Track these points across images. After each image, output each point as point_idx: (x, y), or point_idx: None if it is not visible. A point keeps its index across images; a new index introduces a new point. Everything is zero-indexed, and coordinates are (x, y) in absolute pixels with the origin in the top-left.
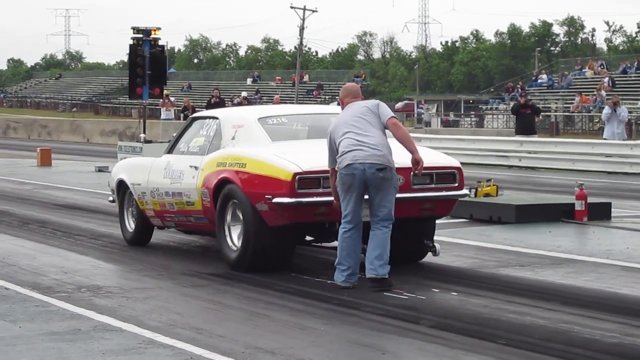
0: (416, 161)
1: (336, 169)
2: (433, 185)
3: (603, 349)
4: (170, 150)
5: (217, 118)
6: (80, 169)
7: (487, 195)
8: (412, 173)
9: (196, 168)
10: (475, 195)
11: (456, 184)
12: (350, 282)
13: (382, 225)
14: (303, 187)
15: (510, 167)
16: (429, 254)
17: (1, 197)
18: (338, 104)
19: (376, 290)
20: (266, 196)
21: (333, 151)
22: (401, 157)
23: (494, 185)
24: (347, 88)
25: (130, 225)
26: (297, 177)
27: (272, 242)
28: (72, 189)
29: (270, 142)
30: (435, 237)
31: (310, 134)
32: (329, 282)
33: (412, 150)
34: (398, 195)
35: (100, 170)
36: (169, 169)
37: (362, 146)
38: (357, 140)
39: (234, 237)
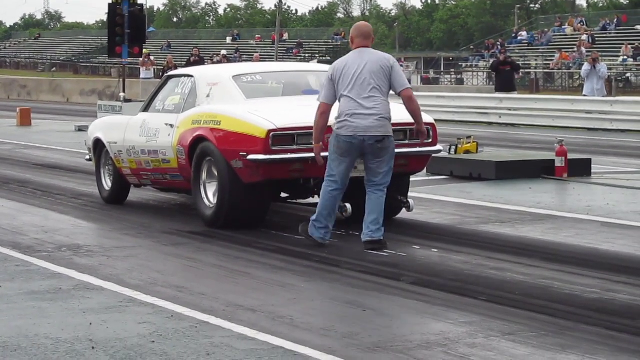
0: (421, 132)
1: (333, 127)
2: (407, 142)
3: (583, 304)
4: (146, 109)
5: (192, 76)
6: (60, 129)
7: (467, 152)
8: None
9: (172, 126)
10: (456, 152)
11: (430, 140)
12: (326, 240)
13: (377, 189)
14: (277, 143)
15: (490, 124)
16: (403, 210)
17: None
18: (318, 62)
19: (371, 252)
20: (241, 153)
21: (331, 87)
22: None
23: (474, 142)
24: (359, 27)
25: (107, 183)
26: (271, 133)
27: (247, 198)
28: (52, 148)
29: (245, 100)
30: (415, 194)
31: (285, 91)
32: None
33: (419, 122)
34: None
35: (80, 129)
36: (144, 127)
37: (364, 114)
38: (361, 104)
39: (210, 194)
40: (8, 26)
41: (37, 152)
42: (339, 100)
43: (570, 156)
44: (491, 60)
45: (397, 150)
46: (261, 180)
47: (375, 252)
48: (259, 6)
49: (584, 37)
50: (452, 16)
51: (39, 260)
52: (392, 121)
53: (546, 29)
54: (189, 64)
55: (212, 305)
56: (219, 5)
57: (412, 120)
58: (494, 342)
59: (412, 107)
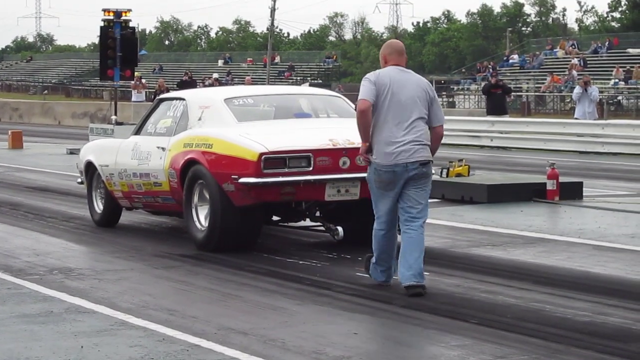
0: None
1: (373, 159)
2: None
3: (575, 327)
4: (137, 132)
5: (183, 99)
6: (51, 152)
7: (458, 175)
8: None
9: (163, 149)
10: (447, 176)
11: None
12: (390, 281)
13: (417, 224)
14: (269, 167)
15: (481, 147)
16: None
17: None
18: (310, 86)
19: (413, 296)
20: (232, 176)
21: (373, 90)
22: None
23: (465, 165)
24: (392, 45)
25: (99, 206)
26: (263, 157)
27: (239, 222)
28: (43, 171)
29: (237, 123)
30: None
31: (276, 114)
32: (300, 262)
33: (434, 151)
34: (364, 175)
35: (72, 152)
36: (136, 150)
37: (405, 142)
38: (401, 131)
39: (201, 217)
40: (0, 48)
41: (29, 174)
42: (376, 122)
43: (561, 179)
44: (483, 84)
45: None
46: (253, 204)
47: (363, 274)
48: (251, 29)
49: (576, 60)
50: (444, 39)
51: (31, 283)
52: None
53: (538, 52)
54: (181, 84)
55: (203, 329)
56: (211, 28)
57: None
58: None
59: (437, 145)
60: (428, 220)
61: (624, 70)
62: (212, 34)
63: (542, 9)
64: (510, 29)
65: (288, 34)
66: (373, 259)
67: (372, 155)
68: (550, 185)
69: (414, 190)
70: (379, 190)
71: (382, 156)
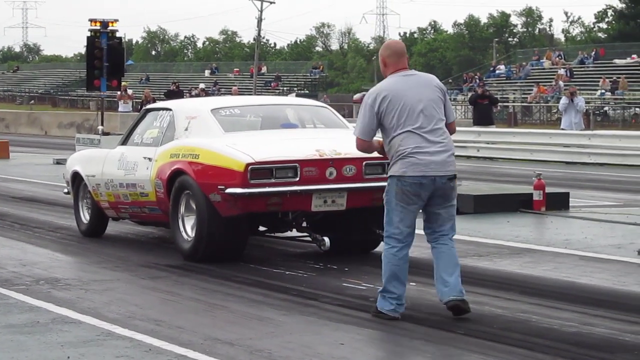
0: None
1: (393, 172)
2: (385, 175)
3: (561, 338)
4: (124, 142)
5: (170, 109)
6: (38, 162)
7: None
8: (363, 163)
9: (150, 159)
10: None
11: None
12: (399, 312)
13: (448, 238)
14: (255, 177)
15: (468, 157)
16: (381, 243)
17: None
18: (297, 96)
19: (458, 314)
20: (219, 187)
21: (373, 119)
22: (353, 147)
23: None
24: (391, 46)
25: (85, 216)
26: (250, 167)
27: (225, 232)
28: (30, 181)
29: (223, 133)
30: None
31: (263, 124)
32: (287, 272)
33: None
34: (350, 185)
35: (58, 162)
36: (123, 161)
37: (432, 151)
38: (427, 139)
39: (188, 227)
40: None
41: (15, 185)
42: (391, 137)
43: (548, 190)
44: (469, 94)
45: (375, 184)
46: (239, 214)
47: (349, 285)
48: (238, 39)
49: (562, 70)
50: (431, 49)
51: (17, 294)
52: (369, 155)
53: (524, 63)
54: (168, 95)
55: (190, 339)
56: (198, 39)
57: None
58: None
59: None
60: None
61: (610, 81)
62: (199, 44)
63: (528, 19)
64: (496, 39)
65: (275, 44)
66: (381, 288)
67: (396, 167)
68: (537, 196)
69: (443, 207)
70: (399, 204)
71: (407, 166)
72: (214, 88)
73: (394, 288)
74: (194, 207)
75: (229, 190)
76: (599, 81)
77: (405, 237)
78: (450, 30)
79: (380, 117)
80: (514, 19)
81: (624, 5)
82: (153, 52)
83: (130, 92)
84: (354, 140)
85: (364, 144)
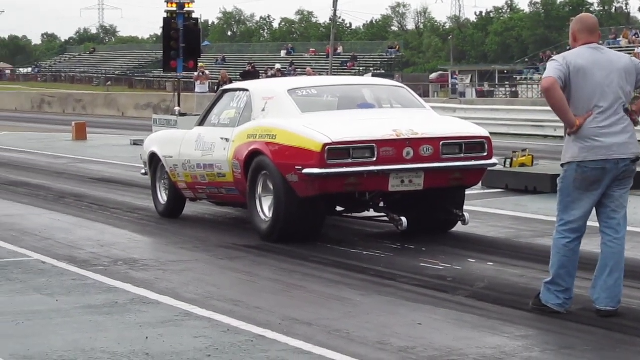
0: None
1: (572, 158)
2: (462, 155)
3: (639, 317)
4: (201, 123)
5: (247, 90)
6: (115, 143)
7: (522, 165)
8: (440, 143)
9: (227, 140)
10: (511, 166)
11: (485, 154)
12: (567, 307)
13: (622, 235)
14: (333, 157)
15: (545, 137)
16: (459, 223)
17: (37, 172)
18: (372, 75)
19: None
20: (296, 167)
21: (563, 70)
22: (430, 127)
23: (529, 155)
24: (583, 20)
25: (163, 197)
26: (327, 147)
27: (303, 212)
28: (107, 162)
29: (300, 114)
30: (471, 208)
31: (340, 104)
32: (364, 253)
33: None
34: (427, 165)
35: (135, 143)
36: (200, 141)
37: (615, 132)
38: (610, 119)
39: (265, 208)
40: (63, 40)
41: (93, 166)
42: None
43: None
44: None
45: (452, 164)
46: (316, 194)
47: (427, 265)
48: (314, 20)
49: (639, 49)
50: (507, 29)
51: (95, 274)
52: (446, 134)
53: (601, 42)
54: (244, 75)
55: (268, 319)
56: (274, 19)
57: (466, 134)
58: (550, 356)
59: None
60: (491, 211)
61: None
62: (275, 25)
63: None
64: (572, 18)
65: (350, 24)
66: (547, 279)
67: (571, 151)
68: None
69: (618, 191)
70: (577, 191)
71: (587, 150)
72: (290, 68)
73: (563, 281)
74: (271, 187)
75: (306, 171)
76: None
77: (579, 226)
78: (527, 10)
79: (567, 74)
80: None
81: None
82: (229, 33)
83: (207, 72)
84: (432, 119)
85: (549, 80)
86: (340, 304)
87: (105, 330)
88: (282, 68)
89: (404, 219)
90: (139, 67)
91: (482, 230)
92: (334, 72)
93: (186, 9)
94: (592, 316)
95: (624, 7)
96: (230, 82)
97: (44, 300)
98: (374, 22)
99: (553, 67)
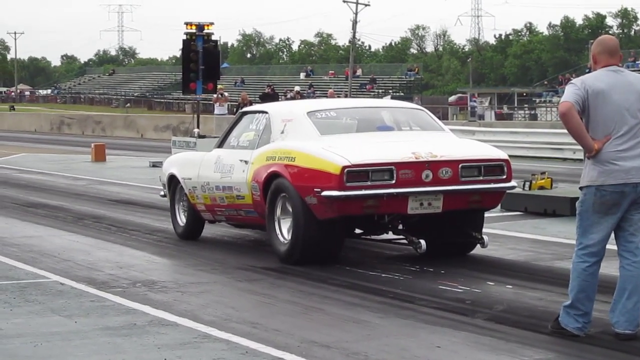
0: None
1: (591, 182)
2: (481, 178)
3: None
4: (220, 145)
5: (266, 112)
6: (134, 164)
7: (541, 188)
8: (459, 166)
9: (246, 162)
10: (530, 188)
11: (504, 176)
12: (586, 330)
13: (638, 254)
14: (352, 180)
15: (564, 159)
16: (478, 246)
17: (56, 193)
18: (392, 98)
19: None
20: (315, 189)
21: (580, 95)
22: (449, 150)
23: (548, 178)
24: (602, 43)
25: (182, 219)
26: (346, 170)
27: (321, 235)
28: (126, 184)
29: (319, 136)
30: (490, 230)
31: (359, 127)
32: (383, 275)
33: None
34: (446, 188)
35: (154, 165)
36: (219, 163)
37: (632, 154)
38: (628, 143)
39: (284, 230)
40: (83, 62)
41: (112, 187)
42: (591, 134)
43: None
44: None
45: (471, 187)
46: (335, 217)
47: (445, 287)
48: (333, 42)
49: None
50: (526, 51)
51: (114, 296)
52: (466, 157)
53: (620, 64)
54: (263, 97)
55: (286, 342)
56: (293, 41)
57: (485, 157)
58: None
59: None
60: (510, 233)
61: None
62: (294, 47)
63: (624, 20)
64: (592, 40)
65: (369, 46)
66: (566, 302)
67: (589, 175)
68: None
69: (637, 214)
70: (595, 215)
71: (606, 174)
72: (309, 90)
73: (582, 305)
74: (290, 209)
75: (325, 193)
76: None
77: (599, 250)
78: (545, 32)
79: (585, 97)
80: (609, 21)
81: None
82: (248, 55)
83: (226, 94)
84: (451, 142)
85: (566, 105)
86: (358, 327)
87: (123, 352)
88: (301, 90)
89: (422, 242)
90: (158, 88)
91: (501, 252)
92: (353, 94)
93: (206, 30)
94: (611, 339)
95: None
96: (251, 104)
97: (63, 322)
98: (393, 44)
99: (570, 92)
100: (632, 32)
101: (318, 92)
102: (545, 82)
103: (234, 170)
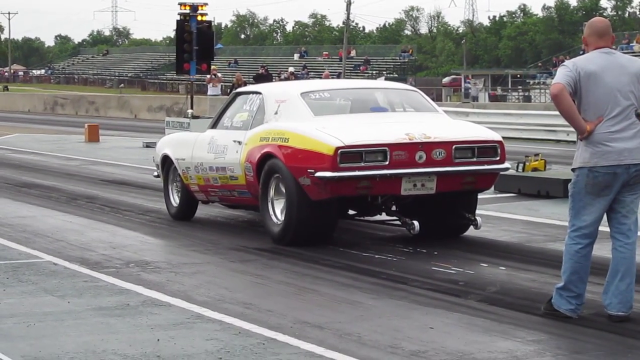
0: None
1: (583, 163)
2: (474, 159)
3: None
4: (214, 125)
5: (260, 93)
6: (127, 145)
7: (535, 169)
8: (453, 147)
9: (240, 143)
10: (523, 170)
11: (497, 158)
12: (579, 312)
13: (633, 240)
14: (345, 161)
15: (558, 141)
16: (471, 227)
17: (49, 173)
18: (385, 79)
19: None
20: (309, 170)
21: (572, 77)
22: (442, 131)
23: (541, 159)
24: (591, 26)
25: (175, 200)
26: (340, 151)
27: (315, 215)
28: (119, 164)
29: (313, 117)
30: (483, 212)
31: (352, 108)
32: (376, 256)
33: None
34: (440, 169)
35: (148, 145)
36: (212, 144)
37: (626, 137)
38: (620, 124)
39: (277, 211)
40: (76, 42)
41: (105, 168)
42: (583, 116)
43: None
44: None
45: (465, 168)
46: (329, 198)
47: (439, 269)
48: (327, 23)
49: None
50: (520, 33)
51: (107, 276)
52: (459, 138)
53: (614, 46)
54: (257, 78)
55: (279, 322)
56: (287, 22)
57: (478, 138)
58: None
59: None
60: (503, 215)
61: None
62: (288, 28)
63: (618, 2)
64: (585, 22)
65: (364, 27)
66: (559, 284)
67: (582, 156)
68: None
69: (629, 196)
70: (588, 197)
71: (599, 155)
72: (303, 71)
73: (575, 287)
74: (284, 190)
75: (318, 174)
76: None
77: (591, 231)
78: (540, 14)
79: (576, 79)
80: (603, 3)
81: None
82: (242, 36)
83: (220, 75)
84: (444, 123)
85: (557, 86)
86: (351, 308)
87: (116, 333)
88: (295, 71)
89: (416, 223)
90: (151, 69)
91: (494, 234)
92: (347, 75)
93: (199, 11)
94: (604, 321)
95: (638, 12)
96: (245, 84)
97: (56, 302)
98: (387, 25)
99: (562, 73)
100: (627, 14)
101: (312, 73)
102: (539, 64)
103: (227, 151)
